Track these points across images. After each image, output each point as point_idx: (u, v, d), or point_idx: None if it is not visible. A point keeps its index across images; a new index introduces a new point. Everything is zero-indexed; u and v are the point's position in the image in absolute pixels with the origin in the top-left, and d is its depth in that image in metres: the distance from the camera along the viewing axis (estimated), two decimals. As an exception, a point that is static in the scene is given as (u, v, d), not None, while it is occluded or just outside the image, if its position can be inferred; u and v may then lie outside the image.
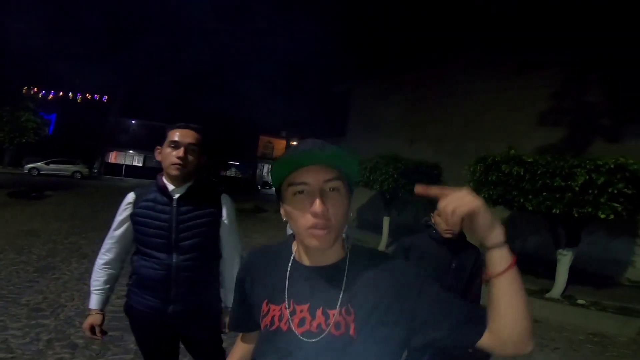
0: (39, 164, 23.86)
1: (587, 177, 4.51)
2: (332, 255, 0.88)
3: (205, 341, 1.84)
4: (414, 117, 12.09)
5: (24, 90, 27.37)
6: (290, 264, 0.91)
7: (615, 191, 4.48)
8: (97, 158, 32.99)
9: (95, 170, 30.24)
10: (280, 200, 0.86)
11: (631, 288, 6.84)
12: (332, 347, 0.82)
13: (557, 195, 4.87)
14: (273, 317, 0.88)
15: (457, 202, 0.72)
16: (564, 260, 5.63)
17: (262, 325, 0.91)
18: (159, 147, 1.72)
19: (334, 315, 0.83)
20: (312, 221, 0.78)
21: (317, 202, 0.77)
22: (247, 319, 1.02)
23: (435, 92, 11.39)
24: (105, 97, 35.73)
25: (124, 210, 1.74)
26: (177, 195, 1.69)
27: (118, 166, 35.66)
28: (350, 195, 0.85)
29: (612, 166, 4.48)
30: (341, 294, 0.84)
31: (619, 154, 4.80)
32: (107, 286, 1.75)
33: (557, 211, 4.92)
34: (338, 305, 0.83)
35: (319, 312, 0.84)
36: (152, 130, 37.36)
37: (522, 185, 5.14)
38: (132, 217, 1.71)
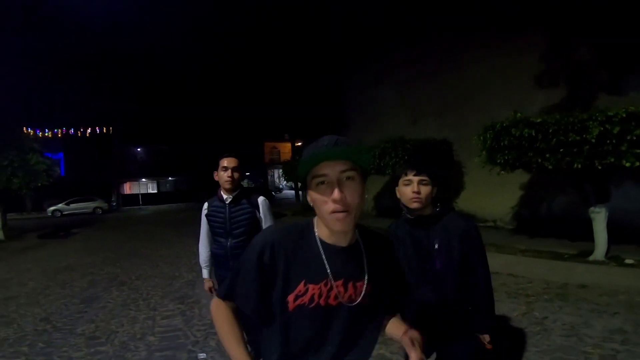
0: (60, 205, 24.74)
1: (602, 128, 4.50)
2: (351, 236, 1.04)
3: None
4: (412, 96, 12.08)
5: (25, 132, 27.91)
6: (319, 245, 1.02)
7: (635, 138, 4.45)
8: (113, 191, 33.64)
9: (114, 204, 30.92)
10: (307, 188, 0.99)
11: None
12: (361, 313, 1.02)
13: (575, 150, 4.85)
14: (313, 295, 0.99)
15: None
16: (599, 218, 5.45)
17: (294, 305, 0.99)
18: (215, 171, 2.53)
19: (362, 286, 1.02)
20: (333, 207, 0.92)
21: (336, 190, 0.91)
22: (256, 299, 1.02)
23: (428, 69, 11.34)
24: (110, 128, 36.20)
25: (203, 213, 2.63)
26: (228, 201, 2.51)
27: (134, 196, 36.23)
28: (365, 180, 0.99)
29: (624, 115, 4.45)
30: (366, 269, 1.04)
31: (623, 105, 4.75)
32: (209, 262, 2.68)
33: (579, 166, 4.89)
34: (366, 279, 1.03)
35: (350, 285, 1.02)
36: (159, 155, 37.94)
37: (536, 146, 5.14)
38: (207, 217, 2.60)
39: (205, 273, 2.75)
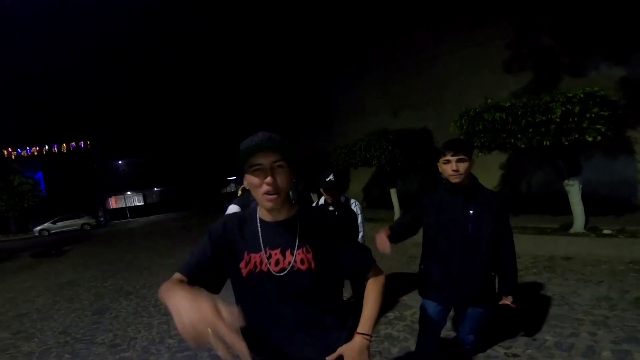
0: (46, 224, 24.31)
1: (563, 108, 4.94)
2: (285, 213, 1.25)
3: None
4: (392, 90, 12.50)
5: (2, 153, 26.93)
6: (258, 222, 1.26)
7: (593, 115, 4.89)
8: (99, 206, 33.15)
9: (102, 219, 30.53)
10: (244, 174, 1.20)
11: None
12: (300, 277, 1.20)
13: (543, 129, 5.29)
14: (255, 262, 1.22)
15: None
16: (573, 190, 5.77)
17: (246, 272, 1.22)
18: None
19: (297, 253, 1.21)
20: (265, 188, 1.14)
21: (269, 177, 1.13)
22: (201, 267, 1.22)
23: (406, 63, 11.78)
24: (88, 143, 35.38)
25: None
26: None
27: (121, 210, 35.85)
28: (293, 170, 1.20)
29: (582, 95, 4.89)
30: (297, 239, 1.23)
31: (585, 85, 5.17)
32: None
33: (547, 143, 5.31)
34: (296, 246, 1.22)
35: (287, 252, 1.22)
36: (142, 167, 37.50)
37: (508, 128, 5.55)
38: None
39: None
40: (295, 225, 1.25)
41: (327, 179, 2.96)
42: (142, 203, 38.08)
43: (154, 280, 6.85)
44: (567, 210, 5.94)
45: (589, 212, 5.94)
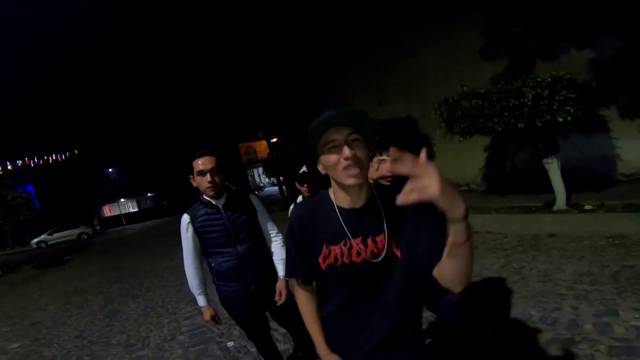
0: (43, 236, 24.52)
1: (534, 92, 5.25)
2: (365, 197, 1.12)
3: (284, 305, 2.25)
4: (376, 81, 12.78)
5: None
6: (337, 210, 1.13)
7: (562, 97, 5.20)
8: (94, 215, 33.12)
9: (98, 227, 30.55)
10: (318, 157, 1.11)
11: (629, 183, 6.95)
12: (386, 265, 1.09)
13: (517, 112, 5.60)
14: (336, 255, 1.11)
15: (424, 183, 0.76)
16: (553, 168, 5.98)
17: (325, 265, 1.13)
18: (191, 176, 2.15)
19: (382, 240, 1.09)
20: (345, 163, 1.02)
21: (346, 148, 1.02)
22: (302, 265, 1.21)
23: (387, 55, 12.04)
24: (75, 152, 35.10)
25: (187, 229, 2.20)
26: (221, 205, 2.19)
27: (116, 217, 35.82)
28: (368, 143, 1.09)
29: (550, 80, 5.19)
30: (385, 223, 1.09)
31: (558, 68, 5.44)
32: (204, 287, 2.27)
33: (522, 125, 5.60)
34: (385, 232, 1.09)
35: (369, 241, 1.09)
36: (133, 173, 37.38)
37: (485, 113, 5.84)
38: (196, 231, 2.19)
39: (201, 300, 2.27)
40: (377, 209, 1.12)
41: (300, 171, 2.72)
42: (136, 209, 38.10)
43: (159, 282, 7.09)
44: (551, 188, 6.11)
45: (571, 188, 6.14)
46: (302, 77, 16.78)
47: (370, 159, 1.21)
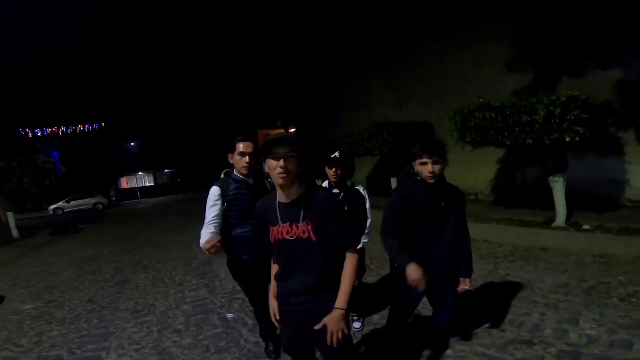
0: (60, 203, 25.35)
1: (546, 110, 5.31)
2: (295, 194, 1.64)
3: None
4: (396, 81, 12.81)
5: (23, 133, 27.93)
6: (277, 203, 1.69)
7: (573, 117, 5.24)
8: (111, 186, 34.09)
9: (113, 198, 31.42)
10: (265, 160, 1.62)
11: (633, 208, 6.93)
12: (303, 243, 1.62)
13: (527, 128, 5.67)
14: (276, 232, 1.67)
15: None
16: (557, 186, 6.06)
17: (273, 239, 1.69)
18: (230, 154, 2.58)
19: (299, 226, 1.62)
20: (279, 170, 1.54)
21: (282, 161, 1.54)
22: (261, 235, 1.82)
23: (410, 55, 12.03)
24: (102, 124, 36.08)
25: (216, 200, 2.52)
26: (251, 183, 2.60)
27: (132, 190, 36.74)
28: (303, 159, 1.60)
29: (564, 99, 5.24)
30: (301, 214, 1.62)
31: (582, 87, 5.44)
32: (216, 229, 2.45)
33: (530, 141, 5.67)
34: (300, 220, 1.62)
35: (294, 225, 1.63)
36: (153, 148, 38.13)
37: (496, 126, 5.93)
38: (226, 202, 2.52)
39: (210, 230, 2.42)
40: (301, 203, 1.62)
41: (332, 156, 2.79)
42: (152, 184, 38.98)
43: (168, 255, 7.45)
44: (555, 205, 6.15)
45: (575, 208, 6.18)
46: (324, 70, 16.88)
47: (305, 172, 1.66)
